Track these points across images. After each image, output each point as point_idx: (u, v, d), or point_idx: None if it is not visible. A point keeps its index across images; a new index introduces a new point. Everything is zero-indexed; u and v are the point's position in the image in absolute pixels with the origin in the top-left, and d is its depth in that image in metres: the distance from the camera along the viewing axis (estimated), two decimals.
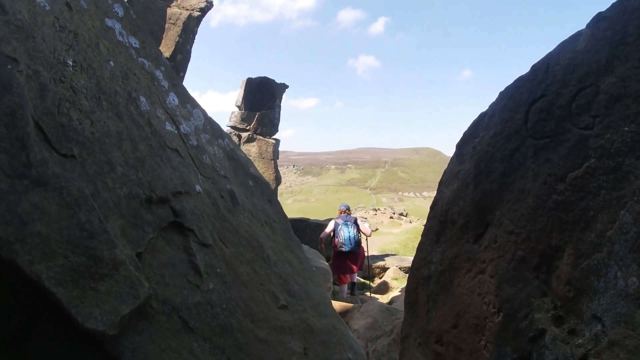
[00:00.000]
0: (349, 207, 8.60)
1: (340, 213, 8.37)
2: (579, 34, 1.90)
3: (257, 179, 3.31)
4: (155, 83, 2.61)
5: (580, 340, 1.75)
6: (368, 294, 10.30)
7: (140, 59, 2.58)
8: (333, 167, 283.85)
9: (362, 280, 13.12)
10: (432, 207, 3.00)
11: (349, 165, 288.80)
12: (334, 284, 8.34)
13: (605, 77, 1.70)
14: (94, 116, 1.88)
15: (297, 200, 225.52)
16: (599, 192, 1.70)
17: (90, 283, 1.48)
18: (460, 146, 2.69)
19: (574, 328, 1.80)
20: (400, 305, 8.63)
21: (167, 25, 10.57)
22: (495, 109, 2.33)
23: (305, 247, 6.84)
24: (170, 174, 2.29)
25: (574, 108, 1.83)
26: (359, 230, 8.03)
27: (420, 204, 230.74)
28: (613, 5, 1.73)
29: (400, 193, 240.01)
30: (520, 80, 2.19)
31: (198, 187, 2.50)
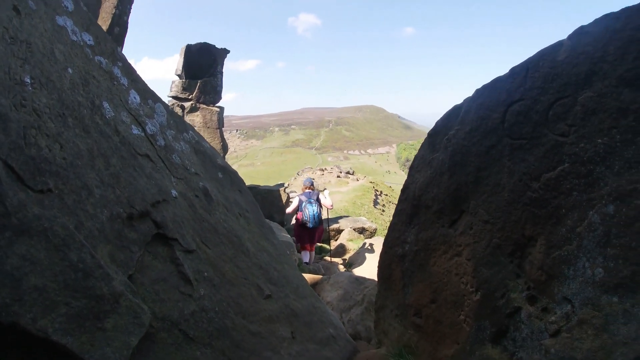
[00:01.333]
0: (312, 183, 8.87)
1: (305, 189, 8.64)
2: (560, 44, 1.98)
3: (225, 169, 3.24)
4: (115, 82, 2.45)
5: (552, 318, 1.95)
6: (328, 258, 10.56)
7: (96, 58, 2.40)
8: (277, 129, 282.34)
9: (320, 244, 13.42)
10: (403, 191, 3.09)
11: (292, 126, 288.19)
12: (298, 251, 8.72)
13: (583, 91, 1.82)
14: (62, 138, 1.74)
15: (242, 165, 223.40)
16: (570, 193, 1.87)
17: (97, 324, 1.43)
18: (433, 135, 2.77)
19: (546, 306, 2.01)
20: (364, 271, 8.96)
21: None
22: (471, 105, 2.40)
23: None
24: (146, 184, 2.20)
25: (551, 115, 1.94)
26: (321, 207, 8.41)
27: (365, 162, 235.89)
28: (596, 21, 1.82)
29: (345, 151, 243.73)
30: (498, 81, 2.27)
31: (174, 192, 2.42)
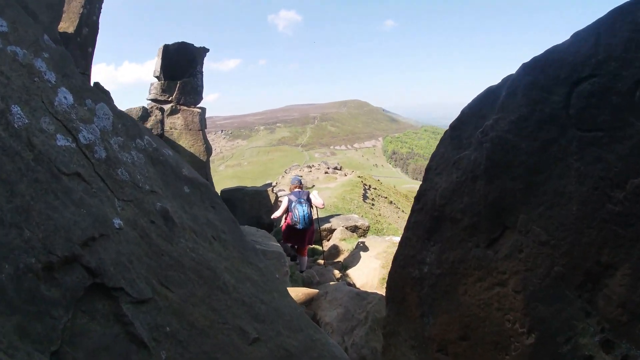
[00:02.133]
0: (301, 181, 8.51)
1: (293, 188, 8.25)
2: None
3: (194, 181, 2.62)
4: (37, 79, 1.82)
5: None
6: (321, 261, 10.01)
7: (9, 48, 1.77)
8: (262, 128, 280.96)
9: (312, 246, 12.85)
10: (418, 198, 2.49)
11: (278, 124, 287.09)
12: (287, 254, 8.25)
13: None
14: None
15: (229, 165, 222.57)
16: None
17: None
18: (457, 127, 2.16)
19: (627, 354, 1.46)
20: (360, 273, 8.43)
21: None
22: (517, 86, 1.78)
23: (253, 229, 6.25)
24: (74, 216, 1.58)
25: (639, 96, 1.34)
26: (311, 206, 7.98)
27: (352, 156, 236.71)
28: None
29: (331, 147, 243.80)
30: (555, 52, 1.66)
31: (117, 221, 1.80)
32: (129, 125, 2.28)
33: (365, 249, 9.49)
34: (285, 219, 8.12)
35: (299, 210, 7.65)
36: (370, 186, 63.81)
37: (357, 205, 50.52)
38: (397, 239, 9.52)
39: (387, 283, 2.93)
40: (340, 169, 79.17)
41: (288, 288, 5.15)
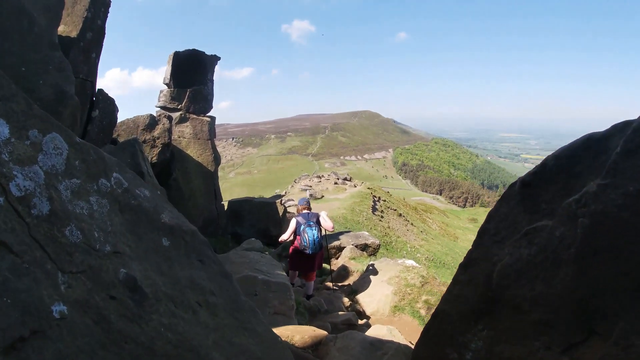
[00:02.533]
0: (309, 202, 8.00)
1: (301, 209, 7.78)
2: None
3: (176, 230, 2.09)
4: None
5: None
6: (329, 283, 9.44)
7: None
8: (273, 136, 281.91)
9: None
10: (465, 266, 1.93)
11: (289, 133, 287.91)
12: (300, 283, 7.86)
13: None
14: None
15: (239, 173, 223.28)
16: None
17: None
18: (534, 184, 1.59)
19: None
20: (370, 299, 7.85)
21: None
22: None
23: (257, 255, 5.72)
24: None
25: None
26: (321, 230, 7.44)
27: (362, 167, 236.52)
28: None
29: (342, 157, 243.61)
30: None
31: (59, 307, 1.28)
32: (92, 160, 1.76)
33: (376, 272, 8.93)
34: (293, 242, 7.60)
35: (309, 235, 7.12)
36: (379, 198, 63.25)
37: (366, 217, 49.99)
38: (410, 262, 8.93)
39: (413, 355, 2.38)
40: (350, 180, 78.88)
41: (293, 327, 4.62)
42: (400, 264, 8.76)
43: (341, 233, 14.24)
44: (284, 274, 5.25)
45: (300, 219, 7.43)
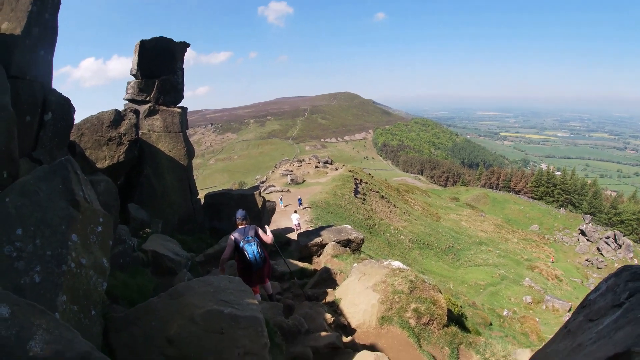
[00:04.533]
0: (246, 216, 7.76)
1: (238, 225, 7.59)
2: None
3: None
4: None
5: None
6: (313, 292, 8.82)
7: None
8: (252, 121, 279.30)
9: (300, 264, 11.70)
10: None
11: (268, 117, 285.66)
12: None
13: None
14: None
15: (219, 159, 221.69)
16: None
17: None
18: None
19: None
20: (355, 313, 7.28)
21: None
22: None
23: (224, 280, 5.06)
24: None
25: None
26: (262, 244, 7.40)
27: (343, 149, 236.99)
28: None
29: (322, 140, 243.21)
30: None
31: None
32: None
33: (361, 276, 8.35)
34: (236, 260, 7.53)
35: (249, 252, 7.08)
36: (361, 180, 63.01)
37: (348, 200, 49.68)
38: (397, 264, 8.37)
39: None
40: (331, 163, 78.42)
41: None
42: (386, 267, 8.20)
43: (322, 228, 13.62)
44: (255, 302, 4.59)
45: (237, 235, 7.31)
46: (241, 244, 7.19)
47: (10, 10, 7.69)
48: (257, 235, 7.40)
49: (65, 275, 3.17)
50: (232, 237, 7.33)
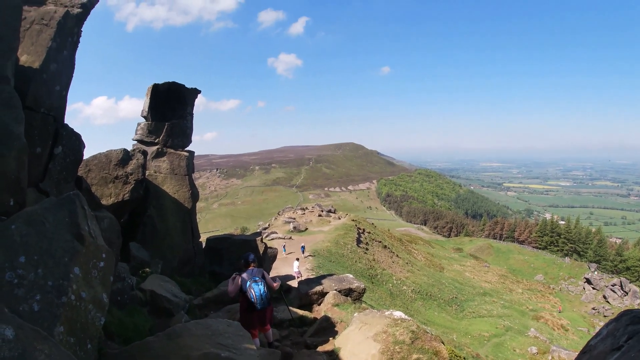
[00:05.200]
0: (254, 259, 7.97)
1: (247, 266, 7.77)
2: None
3: None
4: None
5: None
6: (312, 341, 8.59)
7: None
8: (257, 167, 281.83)
9: (300, 312, 11.45)
10: None
11: (273, 165, 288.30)
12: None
13: None
14: None
15: (222, 204, 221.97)
16: None
17: None
18: None
19: None
20: None
21: (38, 27, 8.20)
22: None
23: (223, 324, 4.98)
24: None
25: None
26: (268, 286, 7.57)
27: (346, 198, 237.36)
28: None
29: (326, 189, 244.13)
30: None
31: None
32: None
33: (361, 326, 8.15)
34: (240, 301, 7.64)
35: (255, 290, 7.22)
36: (364, 230, 62.60)
37: (350, 250, 49.16)
38: (398, 314, 8.20)
39: None
40: (334, 212, 78.28)
41: None
42: (387, 317, 8.02)
43: (323, 277, 13.43)
44: (253, 348, 4.50)
45: (245, 275, 7.44)
46: (247, 283, 7.30)
47: (30, 43, 8.01)
48: (264, 277, 7.54)
49: (65, 307, 3.15)
50: (240, 276, 7.46)
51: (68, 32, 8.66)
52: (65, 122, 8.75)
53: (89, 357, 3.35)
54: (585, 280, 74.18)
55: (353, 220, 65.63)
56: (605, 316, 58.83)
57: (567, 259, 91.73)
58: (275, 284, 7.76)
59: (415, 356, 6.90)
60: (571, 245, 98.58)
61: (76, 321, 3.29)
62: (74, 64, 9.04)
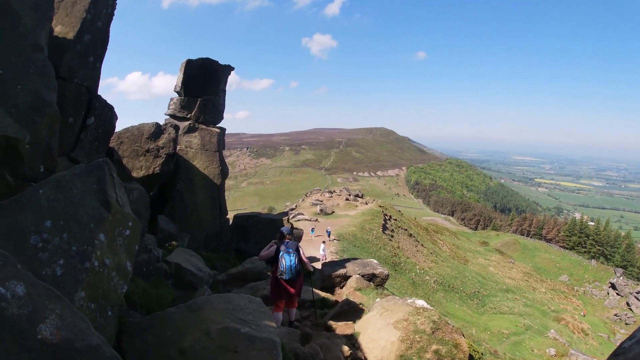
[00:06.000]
0: (290, 231, 8.20)
1: (282, 238, 7.84)
2: None
3: (63, 350, 1.35)
4: None
5: None
6: (332, 323, 8.56)
7: None
8: (287, 148, 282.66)
9: (322, 294, 11.46)
10: None
11: (303, 146, 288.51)
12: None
13: None
14: None
15: (251, 183, 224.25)
16: None
17: None
18: None
19: None
20: (375, 352, 7.00)
21: None
22: None
23: (244, 299, 4.96)
24: None
25: None
26: (300, 260, 7.66)
27: (374, 184, 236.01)
28: None
29: (354, 173, 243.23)
30: None
31: None
32: None
33: (383, 312, 8.06)
34: (273, 272, 7.72)
35: (286, 260, 7.32)
36: (390, 216, 62.21)
37: (376, 236, 48.99)
38: (421, 303, 8.07)
39: None
40: (361, 197, 77.99)
41: None
42: (409, 305, 7.90)
43: (347, 260, 13.36)
44: (273, 325, 4.46)
45: (279, 243, 7.66)
46: (281, 253, 7.43)
47: (65, 15, 8.07)
48: (297, 250, 7.62)
49: (87, 273, 3.18)
50: (274, 244, 7.66)
51: (103, 4, 8.69)
52: (105, 100, 8.86)
53: (109, 324, 3.38)
54: (610, 285, 71.84)
55: (380, 206, 65.23)
56: (627, 324, 56.98)
57: (593, 261, 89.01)
58: (307, 262, 7.87)
59: (434, 347, 6.78)
60: (599, 247, 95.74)
61: (98, 287, 3.32)
62: (108, 37, 9.08)
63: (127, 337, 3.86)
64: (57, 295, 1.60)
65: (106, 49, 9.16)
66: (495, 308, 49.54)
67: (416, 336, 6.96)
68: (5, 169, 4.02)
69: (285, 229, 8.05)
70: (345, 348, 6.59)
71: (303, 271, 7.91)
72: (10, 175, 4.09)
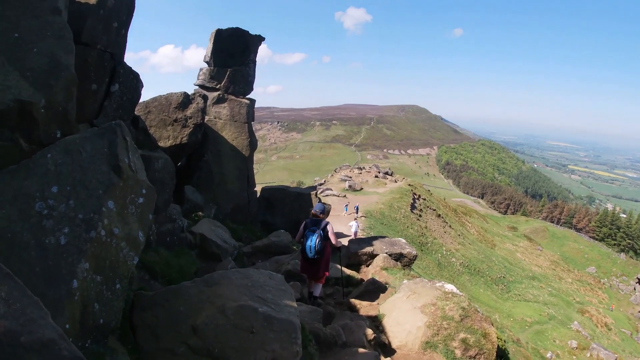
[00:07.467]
0: (323, 210, 8.07)
1: (312, 215, 7.87)
2: None
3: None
4: None
5: None
6: (354, 301, 8.31)
7: None
8: (318, 123, 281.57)
9: (347, 271, 11.22)
10: None
11: (334, 121, 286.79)
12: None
13: None
14: None
15: (281, 157, 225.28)
16: None
17: None
18: None
19: None
20: (399, 334, 6.73)
21: None
22: None
23: (265, 275, 4.71)
24: None
25: None
26: (324, 238, 7.61)
27: (404, 162, 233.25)
28: None
29: (385, 150, 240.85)
30: None
31: None
32: None
33: (410, 294, 7.74)
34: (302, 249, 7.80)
35: (308, 239, 7.43)
36: (419, 196, 61.40)
37: (404, 214, 48.47)
38: (450, 287, 7.71)
39: None
40: (391, 175, 77.19)
41: None
42: (438, 288, 7.55)
43: (375, 238, 13.03)
44: (294, 305, 4.19)
45: (308, 221, 7.68)
46: (306, 231, 7.54)
47: None
48: (324, 230, 7.60)
49: (93, 242, 2.96)
50: (304, 222, 7.75)
51: None
52: (130, 67, 8.64)
53: (116, 298, 3.18)
54: (637, 280, 69.22)
55: (409, 185, 64.34)
56: None
57: (622, 254, 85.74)
58: (334, 238, 7.79)
59: (462, 335, 6.44)
60: (629, 241, 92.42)
61: (104, 259, 3.11)
62: (134, 3, 8.78)
63: (138, 311, 3.67)
64: (5, 273, 1.31)
65: (132, 15, 8.86)
66: (519, 295, 48.65)
67: (444, 322, 6.63)
68: (19, 133, 3.82)
69: (318, 206, 8.07)
70: (369, 331, 6.31)
71: (331, 247, 7.91)
72: (25, 140, 3.88)
